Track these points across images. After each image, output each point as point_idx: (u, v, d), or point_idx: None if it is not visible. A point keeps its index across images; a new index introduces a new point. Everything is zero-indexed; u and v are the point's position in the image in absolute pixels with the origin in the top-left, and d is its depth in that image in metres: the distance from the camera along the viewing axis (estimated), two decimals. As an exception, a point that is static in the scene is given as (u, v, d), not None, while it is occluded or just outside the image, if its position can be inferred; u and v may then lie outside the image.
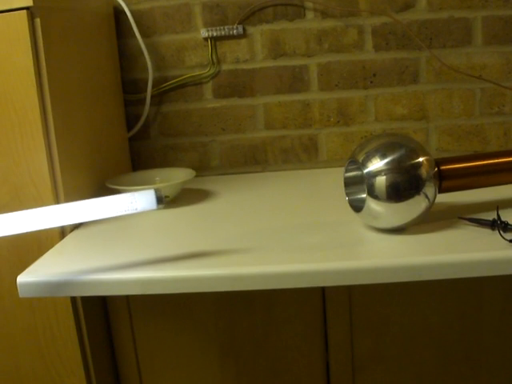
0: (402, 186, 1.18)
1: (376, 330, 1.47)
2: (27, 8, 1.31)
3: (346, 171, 1.31)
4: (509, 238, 1.13)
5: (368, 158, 1.20)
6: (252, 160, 1.94)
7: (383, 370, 1.49)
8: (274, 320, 1.49)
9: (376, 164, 1.19)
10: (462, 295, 1.44)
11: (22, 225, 1.10)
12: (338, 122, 1.89)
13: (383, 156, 1.19)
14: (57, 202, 1.39)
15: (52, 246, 1.35)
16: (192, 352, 1.53)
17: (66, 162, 1.43)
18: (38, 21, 1.33)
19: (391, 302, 1.46)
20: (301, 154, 1.92)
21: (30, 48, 1.32)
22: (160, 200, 1.17)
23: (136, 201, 1.15)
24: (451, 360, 1.48)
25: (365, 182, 1.20)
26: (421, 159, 1.20)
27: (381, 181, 1.18)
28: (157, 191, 1.17)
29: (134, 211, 1.16)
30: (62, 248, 1.34)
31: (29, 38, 1.32)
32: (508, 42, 1.82)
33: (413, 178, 1.19)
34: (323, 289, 1.45)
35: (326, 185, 1.70)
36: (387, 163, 1.18)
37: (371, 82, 1.86)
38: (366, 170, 1.20)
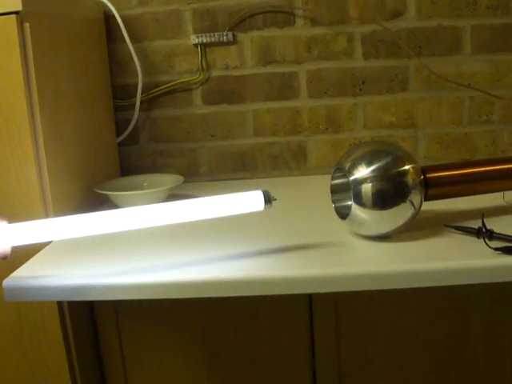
0: (388, 194, 1.19)
1: (362, 337, 1.48)
2: (16, 12, 1.31)
3: (333, 178, 1.32)
4: (494, 246, 1.14)
5: (354, 166, 1.21)
6: (241, 166, 1.95)
7: (370, 377, 1.49)
8: (261, 327, 1.49)
9: (362, 171, 1.19)
10: (448, 303, 1.44)
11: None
12: (327, 129, 1.90)
13: (369, 163, 1.20)
14: (44, 207, 1.40)
15: (40, 249, 1.35)
16: (179, 360, 1.53)
17: (54, 166, 1.43)
18: (27, 25, 1.33)
19: (378, 309, 1.46)
20: (289, 161, 1.93)
21: (18, 52, 1.32)
22: (268, 201, 1.19)
23: (244, 201, 1.19)
24: (438, 367, 1.48)
25: (351, 190, 1.20)
26: (407, 167, 1.20)
27: (367, 188, 1.18)
28: (265, 192, 1.19)
29: (242, 212, 1.20)
30: (49, 252, 1.34)
31: (18, 43, 1.32)
32: (497, 50, 1.83)
33: (399, 185, 1.19)
34: (310, 296, 1.45)
35: (313, 192, 1.70)
36: (373, 171, 1.19)
37: (360, 90, 1.87)
38: (352, 178, 1.20)
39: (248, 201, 1.20)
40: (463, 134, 1.88)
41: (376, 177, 1.19)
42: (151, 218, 1.17)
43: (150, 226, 1.18)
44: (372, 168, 1.19)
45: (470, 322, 1.45)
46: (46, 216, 1.40)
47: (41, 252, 1.33)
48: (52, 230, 1.13)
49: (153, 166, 1.96)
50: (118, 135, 1.94)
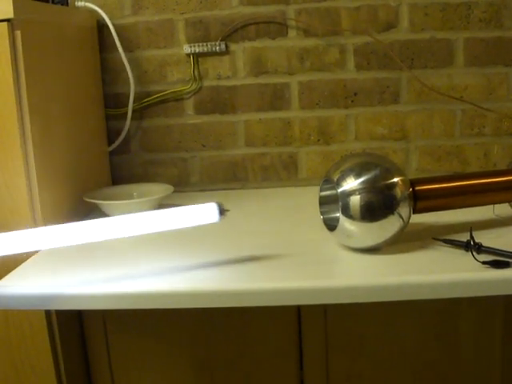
0: (376, 206, 1.19)
1: (351, 349, 1.47)
2: (8, 20, 1.31)
3: (321, 190, 1.32)
4: (482, 260, 1.14)
5: (343, 178, 1.21)
6: (232, 177, 1.95)
7: (358, 389, 1.50)
8: (250, 337, 1.49)
9: (350, 183, 1.20)
10: (437, 315, 1.44)
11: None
12: (319, 140, 1.90)
13: (358, 175, 1.20)
14: (33, 214, 1.40)
15: (27, 258, 1.35)
16: (167, 370, 1.53)
17: (44, 174, 1.43)
18: (18, 33, 1.34)
19: (367, 321, 1.46)
20: (280, 172, 1.93)
21: (9, 60, 1.32)
22: (222, 212, 1.21)
23: (198, 214, 1.20)
24: (427, 380, 1.48)
25: (339, 201, 1.20)
26: (395, 179, 1.21)
27: (355, 200, 1.19)
28: (219, 204, 1.21)
29: (195, 224, 1.21)
30: (36, 261, 1.34)
31: (9, 50, 1.32)
32: (489, 63, 1.83)
33: (387, 197, 1.19)
34: (299, 307, 1.45)
35: (304, 203, 1.70)
36: (362, 183, 1.19)
37: (352, 101, 1.88)
38: (340, 189, 1.20)
39: (202, 213, 1.20)
40: (455, 146, 1.89)
41: (364, 189, 1.19)
42: (119, 230, 1.18)
43: (119, 236, 1.19)
44: (360, 180, 1.20)
45: (459, 334, 1.45)
46: (35, 224, 1.40)
47: (28, 261, 1.33)
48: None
49: (144, 176, 1.96)
50: (109, 144, 1.93)
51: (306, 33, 1.85)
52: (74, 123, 1.66)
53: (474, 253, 1.19)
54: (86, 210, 1.66)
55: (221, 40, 1.86)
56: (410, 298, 1.13)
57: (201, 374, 1.52)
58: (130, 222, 1.19)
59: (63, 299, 1.17)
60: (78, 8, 1.78)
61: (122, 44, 1.85)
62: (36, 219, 1.41)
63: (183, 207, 1.21)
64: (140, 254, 1.37)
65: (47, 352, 1.44)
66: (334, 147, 1.91)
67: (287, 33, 1.86)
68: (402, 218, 1.21)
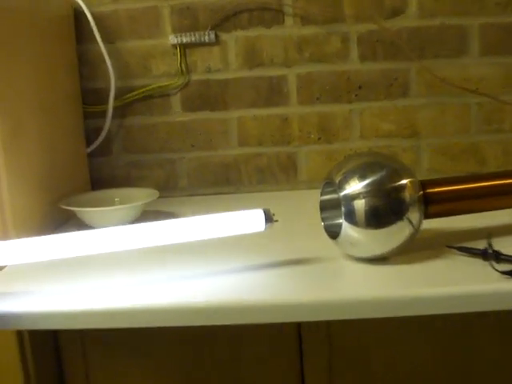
0: (383, 211, 1.18)
1: (357, 369, 1.47)
2: (-29, 8, 1.31)
3: (322, 194, 1.31)
4: (501, 270, 1.13)
5: (345, 180, 1.20)
6: (224, 180, 1.94)
7: (365, 415, 1.49)
8: (245, 359, 1.48)
9: (354, 186, 1.18)
10: (450, 331, 1.43)
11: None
12: (320, 138, 1.90)
13: (362, 177, 1.19)
14: (3, 223, 1.39)
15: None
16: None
17: (15, 180, 1.42)
18: (-17, 22, 1.33)
19: (373, 339, 1.45)
20: (278, 174, 1.93)
21: (-26, 52, 1.32)
22: (269, 219, 1.22)
23: (242, 221, 1.22)
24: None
25: (341, 206, 1.19)
26: (404, 181, 1.19)
27: (359, 205, 1.17)
28: (265, 210, 1.22)
29: (240, 233, 1.23)
30: (3, 278, 1.32)
31: (-27, 42, 1.31)
32: (507, 52, 1.83)
33: (395, 201, 1.18)
34: (299, 324, 1.44)
35: (304, 208, 1.68)
36: (366, 185, 1.18)
37: (356, 96, 1.87)
38: (342, 193, 1.19)
39: (246, 220, 1.22)
40: (470, 144, 1.88)
41: (369, 192, 1.18)
42: (136, 239, 1.19)
43: (136, 247, 1.20)
44: (365, 182, 1.18)
45: (477, 354, 1.44)
46: (5, 233, 1.39)
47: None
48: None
49: (126, 179, 1.96)
50: (87, 145, 1.93)
51: (305, 20, 1.85)
52: (47, 122, 1.64)
53: (493, 262, 1.17)
54: (62, 218, 1.65)
55: (210, 29, 1.86)
56: (421, 313, 1.12)
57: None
58: (150, 230, 1.22)
59: (35, 318, 1.16)
60: (52, -6, 1.77)
61: (101, 34, 1.84)
62: (6, 228, 1.40)
63: (225, 214, 1.24)
64: (119, 266, 1.36)
65: (19, 377, 1.42)
66: (336, 146, 1.90)
67: (284, 20, 1.85)
68: (412, 224, 1.20)
